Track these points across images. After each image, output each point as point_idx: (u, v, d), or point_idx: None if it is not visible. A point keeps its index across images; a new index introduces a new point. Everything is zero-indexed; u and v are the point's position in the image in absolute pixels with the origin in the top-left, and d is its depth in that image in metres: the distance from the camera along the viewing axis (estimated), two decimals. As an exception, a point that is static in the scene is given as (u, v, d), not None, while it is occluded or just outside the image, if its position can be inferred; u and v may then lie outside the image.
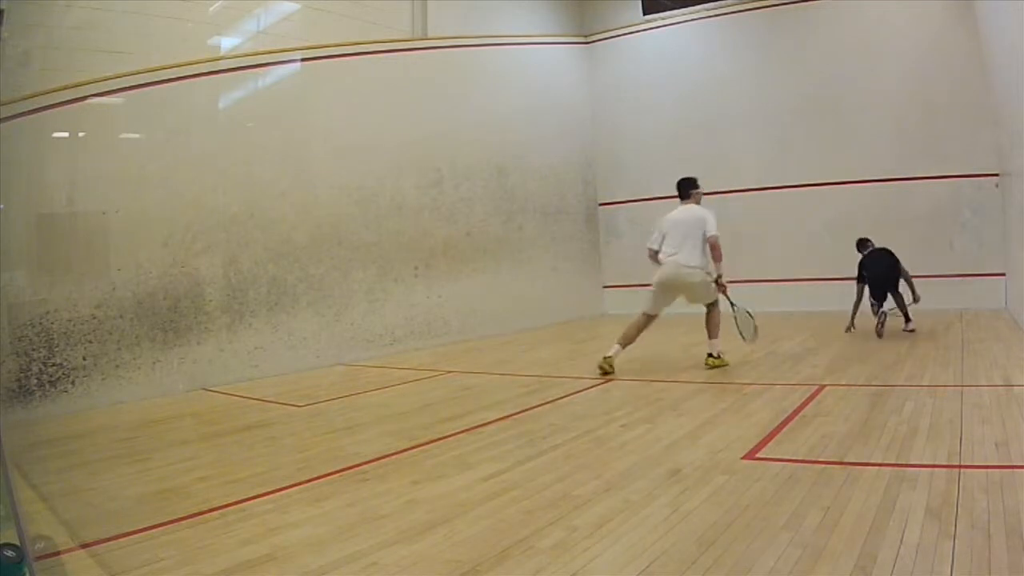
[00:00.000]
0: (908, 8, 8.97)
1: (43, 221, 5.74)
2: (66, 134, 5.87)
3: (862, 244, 7.31)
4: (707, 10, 10.49)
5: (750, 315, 5.80)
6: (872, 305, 6.93)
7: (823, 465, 3.04)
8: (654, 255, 5.79)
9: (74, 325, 5.63)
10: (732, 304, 5.72)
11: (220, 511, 2.94)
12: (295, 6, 7.61)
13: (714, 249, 5.55)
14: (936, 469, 2.85)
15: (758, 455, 3.26)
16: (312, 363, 7.19)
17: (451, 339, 8.69)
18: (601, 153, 11.45)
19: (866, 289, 6.96)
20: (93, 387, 5.69)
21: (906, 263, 6.89)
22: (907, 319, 6.84)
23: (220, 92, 6.85)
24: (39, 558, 2.42)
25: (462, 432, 4.09)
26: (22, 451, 4.23)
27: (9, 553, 1.99)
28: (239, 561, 2.40)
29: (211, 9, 6.90)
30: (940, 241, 8.68)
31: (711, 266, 5.64)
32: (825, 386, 4.71)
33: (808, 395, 4.45)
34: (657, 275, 5.74)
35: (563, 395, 5.02)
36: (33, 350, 5.41)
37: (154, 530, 2.75)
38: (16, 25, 5.13)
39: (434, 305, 8.67)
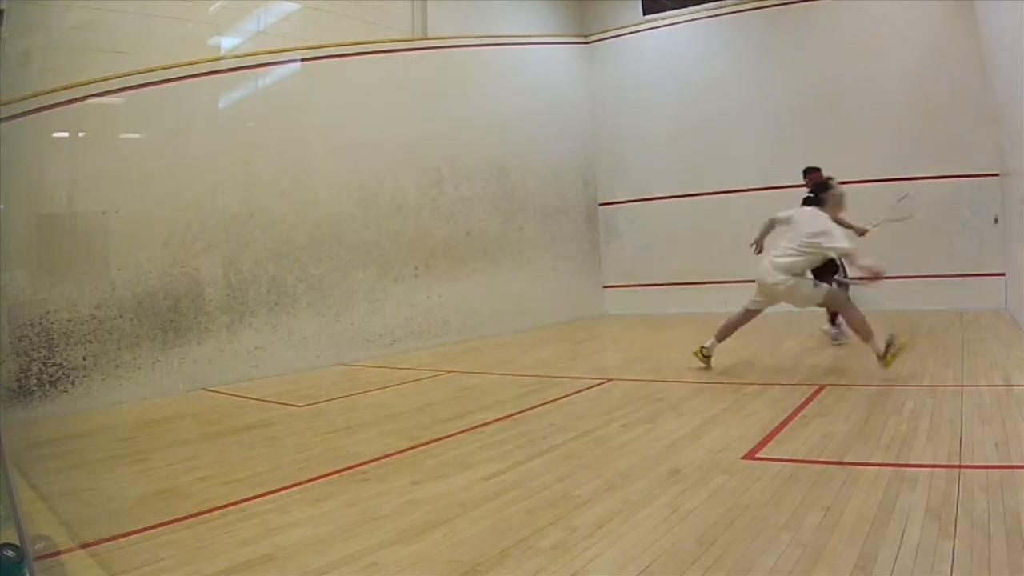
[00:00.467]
0: (908, 8, 8.96)
1: (43, 221, 5.74)
2: (66, 134, 5.86)
3: None
4: (707, 10, 10.48)
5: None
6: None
7: (823, 465, 3.03)
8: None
9: (74, 325, 5.63)
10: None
11: (220, 511, 2.94)
12: (295, 6, 7.62)
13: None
14: (936, 469, 2.85)
15: (758, 455, 3.26)
16: (312, 363, 7.20)
17: (451, 339, 8.69)
18: (601, 153, 11.43)
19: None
20: (93, 387, 5.69)
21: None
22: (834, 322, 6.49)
23: (220, 92, 6.85)
24: (39, 558, 2.42)
25: (462, 432, 4.09)
26: (22, 451, 4.24)
27: (9, 553, 1.99)
28: (239, 561, 2.40)
29: (211, 9, 6.90)
30: (940, 241, 8.67)
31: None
32: (825, 386, 4.71)
33: (808, 395, 4.45)
34: None
35: (563, 395, 5.02)
36: (33, 350, 5.41)
37: (154, 530, 2.75)
38: (16, 25, 5.14)
39: (434, 305, 8.67)
